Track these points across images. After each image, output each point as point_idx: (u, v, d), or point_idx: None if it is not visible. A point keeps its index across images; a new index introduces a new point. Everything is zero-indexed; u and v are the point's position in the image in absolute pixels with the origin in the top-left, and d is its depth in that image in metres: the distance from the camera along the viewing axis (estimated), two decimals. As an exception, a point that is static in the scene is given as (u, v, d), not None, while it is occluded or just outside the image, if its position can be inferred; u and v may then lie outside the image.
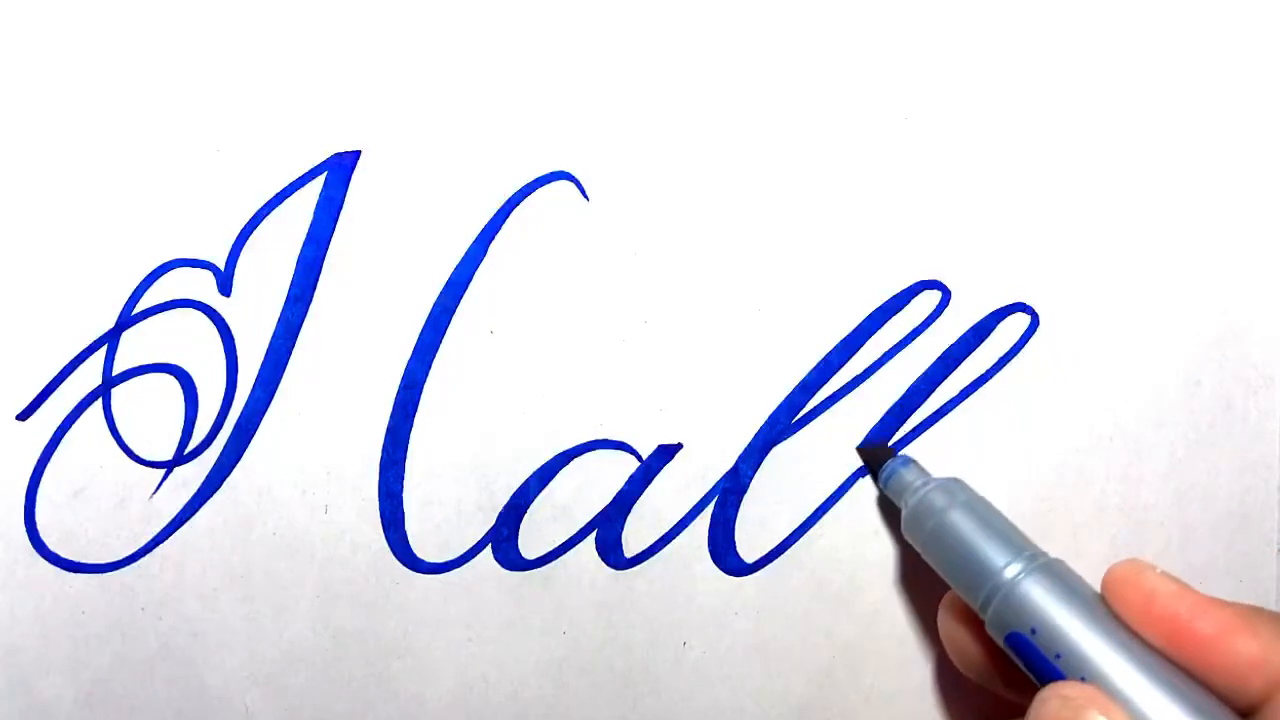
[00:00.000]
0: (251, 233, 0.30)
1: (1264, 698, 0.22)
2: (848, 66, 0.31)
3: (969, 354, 0.32)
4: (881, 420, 0.32)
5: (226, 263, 0.30)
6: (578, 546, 0.31)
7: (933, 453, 0.32)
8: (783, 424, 0.32)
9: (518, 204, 0.31)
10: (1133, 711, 0.22)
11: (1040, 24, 0.31)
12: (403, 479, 0.31)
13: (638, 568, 0.32)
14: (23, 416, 0.30)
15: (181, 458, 0.31)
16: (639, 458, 0.31)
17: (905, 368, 0.32)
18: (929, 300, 0.32)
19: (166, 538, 0.31)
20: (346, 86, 0.30)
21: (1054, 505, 0.32)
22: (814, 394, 0.32)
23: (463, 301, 0.31)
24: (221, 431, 0.31)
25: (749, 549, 0.32)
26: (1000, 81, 0.31)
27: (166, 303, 0.30)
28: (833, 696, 0.32)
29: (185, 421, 0.31)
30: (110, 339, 0.30)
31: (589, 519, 0.31)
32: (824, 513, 0.32)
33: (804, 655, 0.32)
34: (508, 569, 0.31)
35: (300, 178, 0.30)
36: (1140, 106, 0.32)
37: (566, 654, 0.32)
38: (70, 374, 0.30)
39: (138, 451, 0.31)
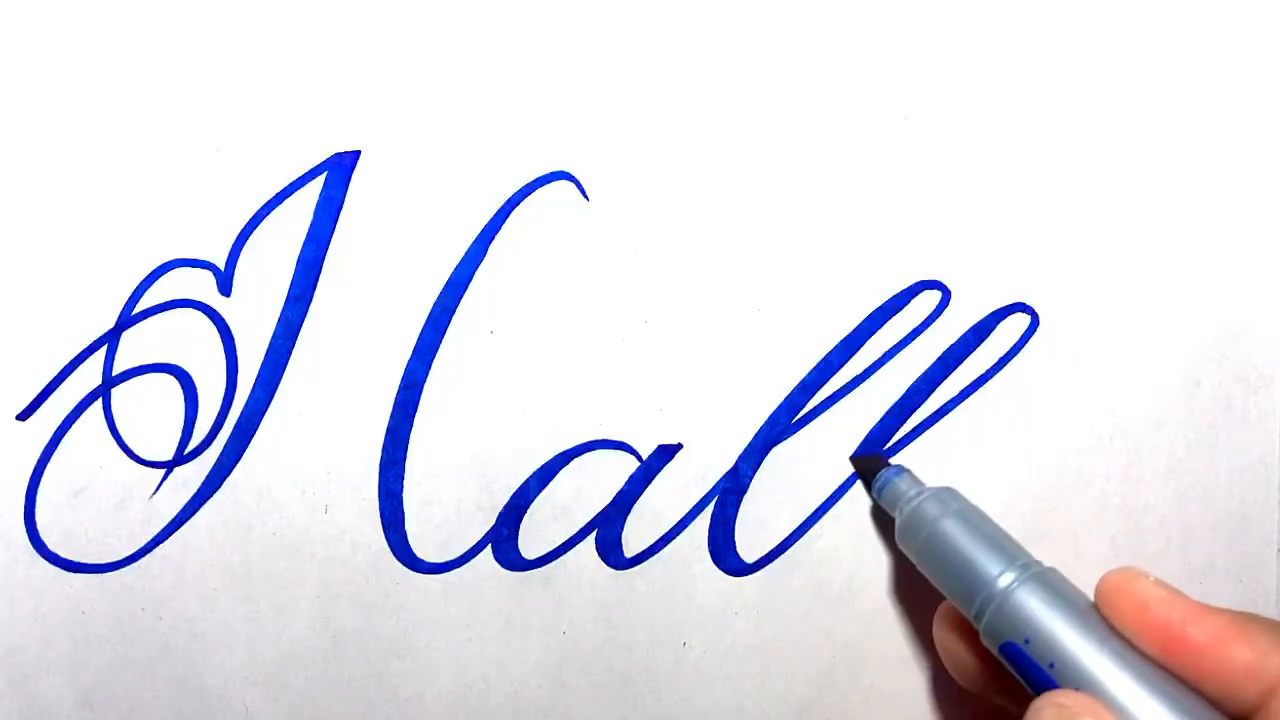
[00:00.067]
0: (251, 233, 0.30)
1: (1258, 704, 0.22)
2: (848, 66, 0.31)
3: (969, 354, 0.32)
4: (882, 420, 0.32)
5: (226, 263, 0.30)
6: (578, 546, 0.31)
7: (933, 453, 0.32)
8: (783, 424, 0.32)
9: (518, 204, 0.31)
10: None
11: (1040, 24, 0.31)
12: (403, 479, 0.31)
13: (638, 568, 0.32)
14: (23, 416, 0.30)
15: (181, 458, 0.31)
16: (639, 458, 0.31)
17: (905, 368, 0.32)
18: (929, 300, 0.32)
19: (166, 538, 0.31)
20: (346, 86, 0.30)
21: (1054, 505, 0.32)
22: (814, 394, 0.32)
23: (463, 301, 0.31)
24: (221, 431, 0.31)
25: (749, 549, 0.32)
26: (1000, 81, 0.31)
27: (166, 303, 0.30)
28: (833, 696, 0.32)
29: (185, 421, 0.31)
30: (110, 339, 0.30)
31: (589, 519, 0.31)
32: (824, 513, 0.32)
33: (804, 655, 0.32)
34: (508, 569, 0.31)
35: (300, 178, 0.30)
36: (1140, 106, 0.32)
37: (566, 654, 0.32)
38: (70, 374, 0.30)
39: (138, 451, 0.31)
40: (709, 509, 0.32)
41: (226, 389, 0.31)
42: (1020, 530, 0.32)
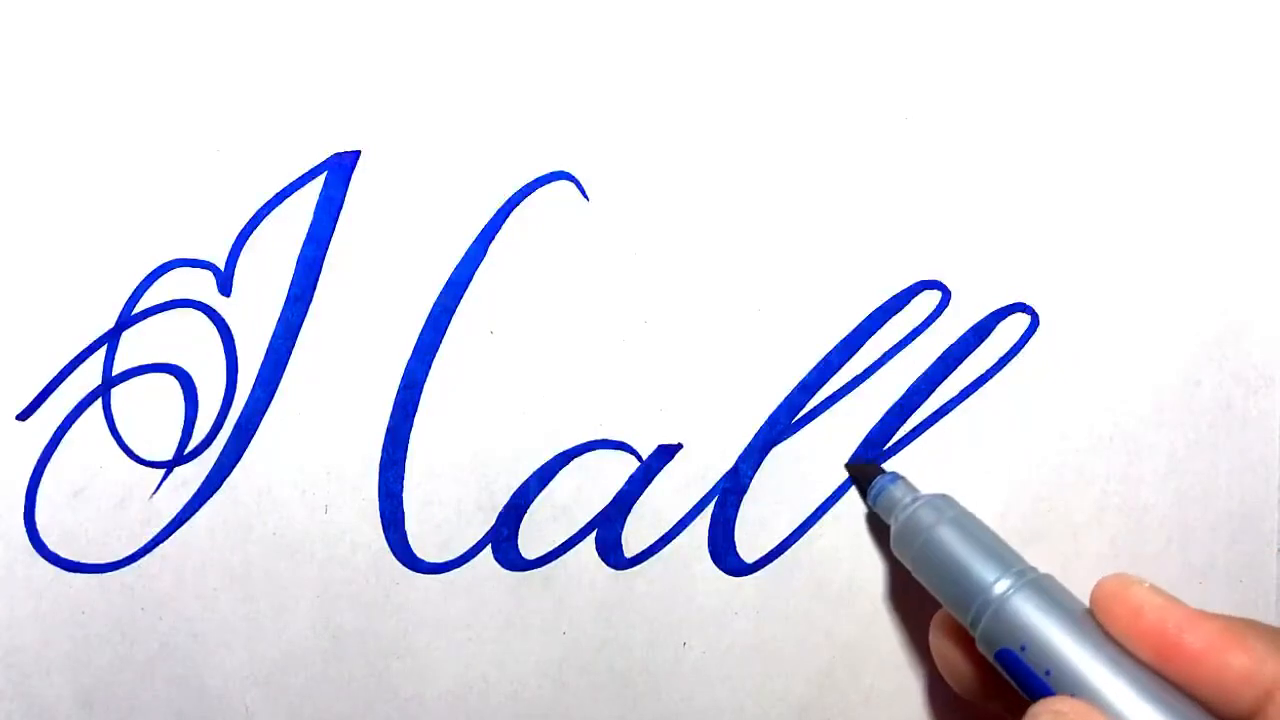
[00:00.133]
0: (251, 233, 0.30)
1: (1254, 710, 0.22)
2: (848, 67, 0.31)
3: (969, 354, 0.32)
4: (882, 420, 0.32)
5: (226, 263, 0.30)
6: (578, 546, 0.31)
7: (933, 453, 0.32)
8: (783, 424, 0.32)
9: (518, 204, 0.31)
10: None
11: (1040, 24, 0.31)
12: (403, 479, 0.31)
13: (638, 568, 0.32)
14: (23, 416, 0.30)
15: (181, 458, 0.31)
16: (639, 458, 0.31)
17: (905, 368, 0.32)
18: (929, 300, 0.32)
19: (166, 538, 0.31)
20: (346, 86, 0.30)
21: (1054, 505, 0.32)
22: (814, 394, 0.32)
23: (463, 301, 0.31)
24: (221, 431, 0.31)
25: (749, 549, 0.32)
26: (1000, 81, 0.31)
27: (166, 303, 0.30)
28: (833, 696, 0.32)
29: (185, 421, 0.31)
30: (110, 339, 0.30)
31: (589, 519, 0.31)
32: (824, 513, 0.32)
33: (804, 655, 0.32)
34: (508, 569, 0.31)
35: (300, 178, 0.30)
36: (1140, 106, 0.32)
37: (566, 654, 0.32)
38: (70, 374, 0.30)
39: (138, 451, 0.31)
40: (709, 509, 0.32)
41: (226, 389, 0.31)
42: (1020, 530, 0.32)
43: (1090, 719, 0.22)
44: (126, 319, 0.30)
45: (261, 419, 0.31)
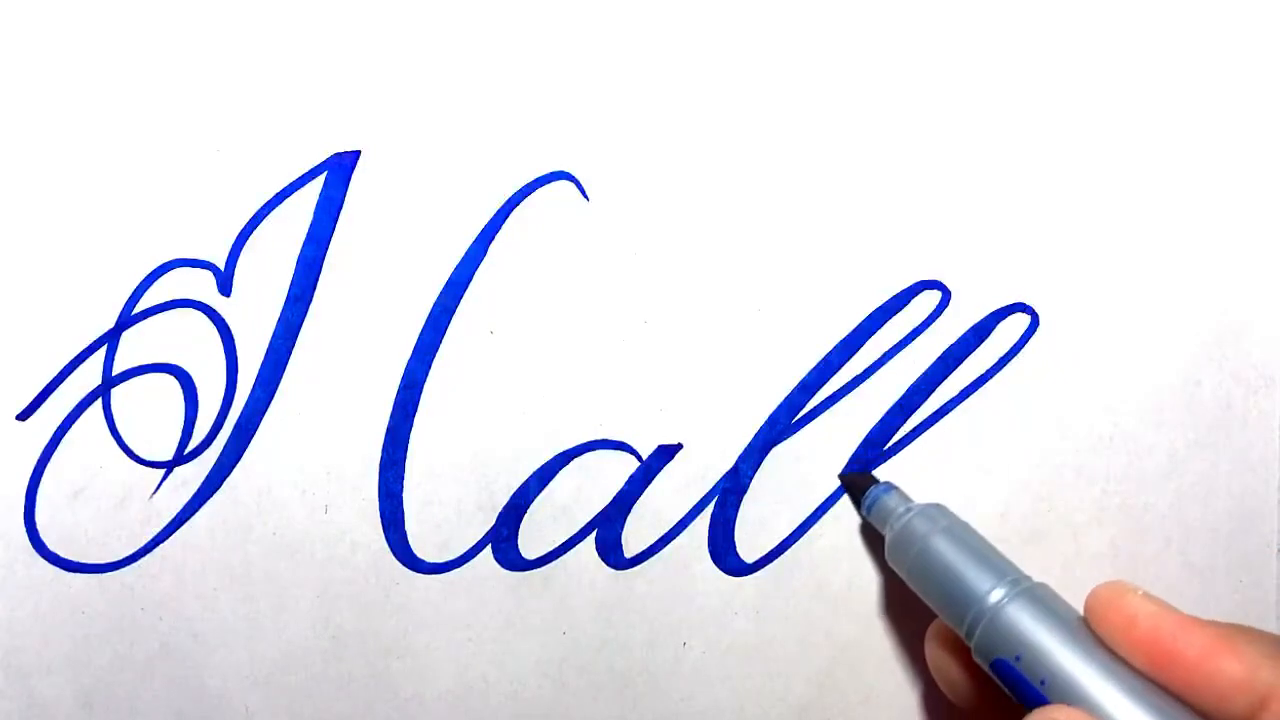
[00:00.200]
0: (251, 233, 0.30)
1: (1248, 717, 0.22)
2: (848, 66, 0.31)
3: (969, 354, 0.32)
4: (882, 420, 0.32)
5: (226, 263, 0.30)
6: (578, 546, 0.31)
7: (933, 453, 0.32)
8: (783, 424, 0.32)
9: (518, 204, 0.31)
10: None
11: (1040, 24, 0.31)
12: (403, 479, 0.31)
13: (638, 568, 0.32)
14: (23, 416, 0.30)
15: (181, 458, 0.31)
16: (639, 458, 0.31)
17: (905, 368, 0.32)
18: (929, 300, 0.32)
19: (166, 538, 0.31)
20: (346, 86, 0.30)
21: (1054, 505, 0.32)
22: (814, 394, 0.32)
23: (463, 301, 0.31)
24: (221, 431, 0.31)
25: (749, 549, 0.32)
26: (1000, 81, 0.31)
27: (166, 303, 0.30)
28: (833, 696, 0.32)
29: (185, 421, 0.31)
30: (110, 339, 0.30)
31: (589, 519, 0.31)
32: (824, 513, 0.32)
33: (804, 655, 0.32)
34: (508, 569, 0.31)
35: (300, 178, 0.30)
36: (1140, 106, 0.32)
37: (566, 654, 0.32)
38: (70, 374, 0.30)
39: (138, 451, 0.31)
40: (709, 509, 0.32)
41: (226, 389, 0.31)
42: (1020, 530, 0.32)
43: None
44: (126, 319, 0.30)
45: (261, 419, 0.31)
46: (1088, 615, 0.24)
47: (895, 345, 0.32)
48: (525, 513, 0.31)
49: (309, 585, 0.31)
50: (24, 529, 0.30)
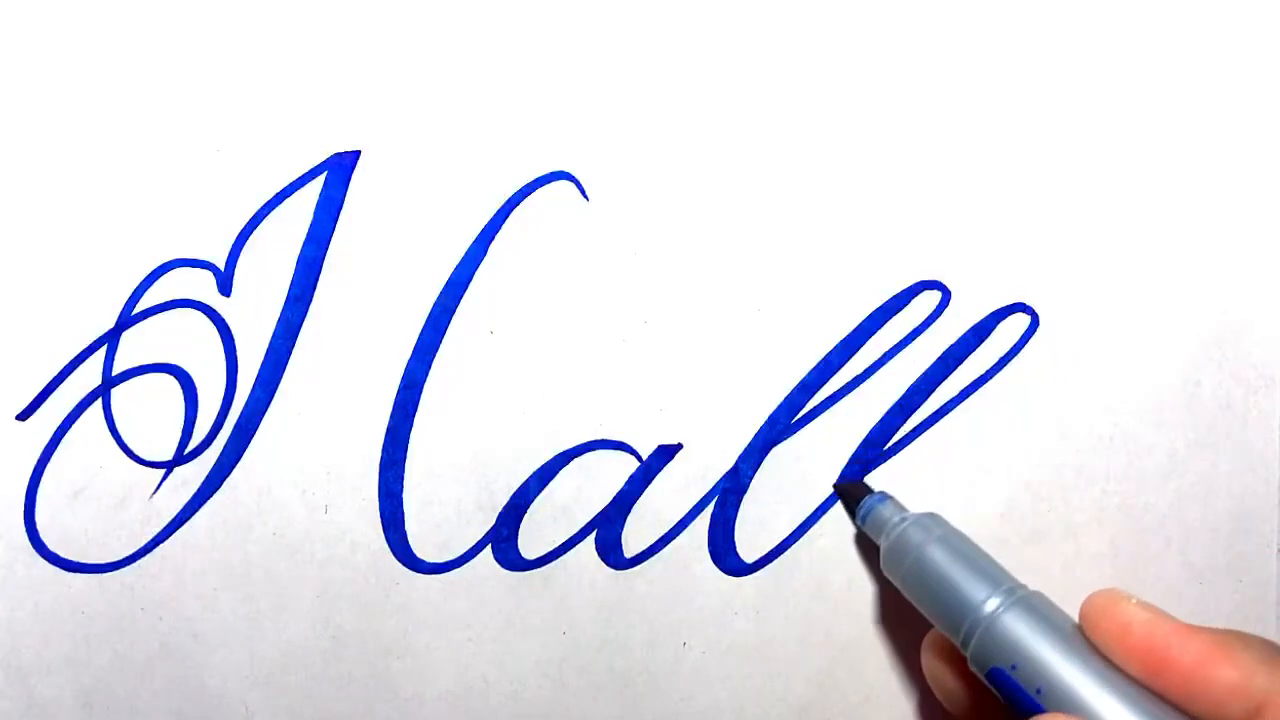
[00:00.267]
0: (251, 233, 0.30)
1: None
2: (848, 66, 0.31)
3: (969, 354, 0.32)
4: (882, 420, 0.32)
5: (226, 263, 0.30)
6: (578, 546, 0.31)
7: (932, 453, 0.32)
8: (783, 424, 0.32)
9: (518, 204, 0.31)
10: None
11: (1040, 24, 0.31)
12: (403, 479, 0.31)
13: (638, 568, 0.32)
14: (23, 416, 0.30)
15: (181, 458, 0.31)
16: (639, 458, 0.31)
17: (905, 368, 0.32)
18: (929, 300, 0.32)
19: (166, 538, 0.31)
20: (346, 86, 0.30)
21: (1054, 505, 0.32)
22: (814, 394, 0.32)
23: (463, 301, 0.31)
24: (221, 431, 0.31)
25: (749, 549, 0.32)
26: (1000, 81, 0.31)
27: (166, 303, 0.30)
28: (833, 696, 0.32)
29: (185, 421, 0.31)
30: (110, 339, 0.30)
31: (589, 519, 0.31)
32: (824, 513, 0.32)
33: (804, 655, 0.32)
34: (508, 569, 0.31)
35: (300, 178, 0.30)
36: (1140, 106, 0.32)
37: (566, 654, 0.32)
38: (70, 374, 0.30)
39: (138, 451, 0.31)
40: (709, 509, 0.32)
41: (226, 389, 0.31)
42: (1020, 530, 0.32)
43: None
44: (126, 319, 0.30)
45: (261, 419, 0.31)
46: (1083, 623, 0.24)
47: (895, 345, 0.32)
48: (525, 513, 0.31)
49: (309, 585, 0.31)
50: (24, 529, 0.31)
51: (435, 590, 0.31)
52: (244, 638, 0.31)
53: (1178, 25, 0.32)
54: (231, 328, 0.31)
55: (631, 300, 0.31)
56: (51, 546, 0.31)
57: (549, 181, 0.31)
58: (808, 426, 0.32)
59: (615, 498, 0.31)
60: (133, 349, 0.30)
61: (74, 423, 0.30)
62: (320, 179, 0.30)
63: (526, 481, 0.31)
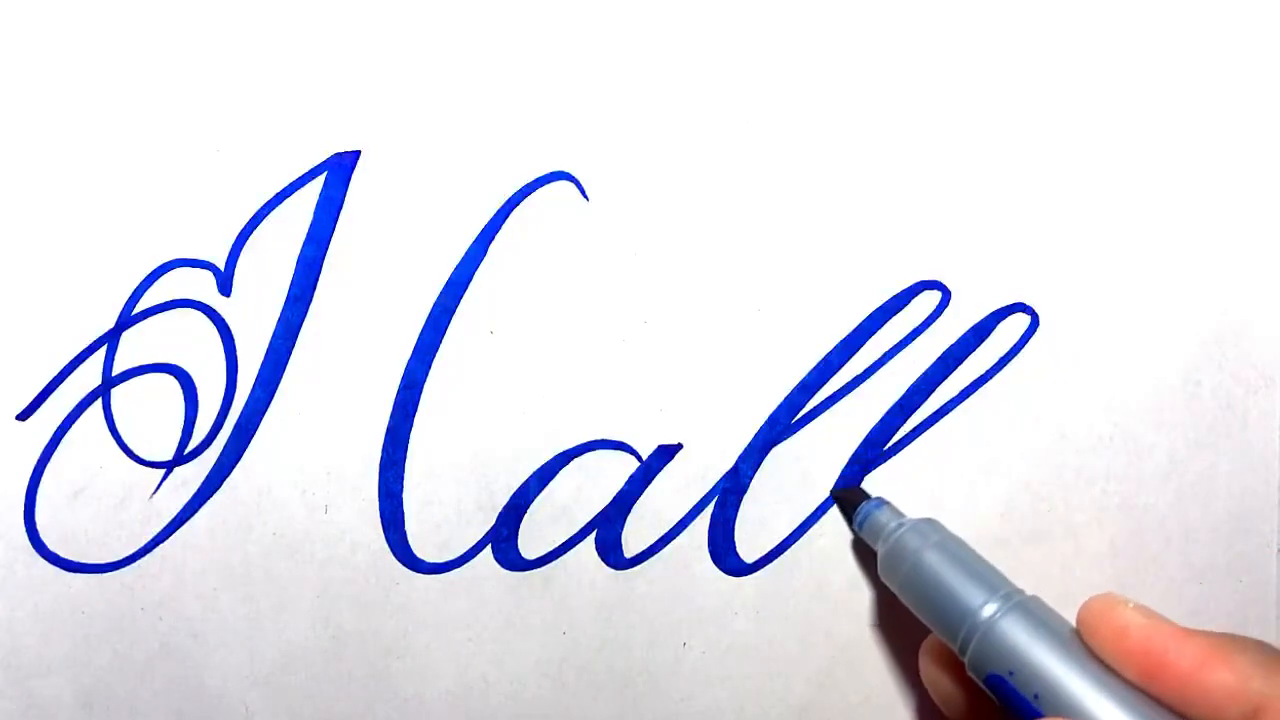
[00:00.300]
0: (251, 233, 0.30)
1: None
2: (848, 66, 0.31)
3: (969, 354, 0.32)
4: (882, 420, 0.32)
5: (226, 263, 0.30)
6: (578, 546, 0.31)
7: (932, 453, 0.32)
8: (783, 424, 0.32)
9: (518, 204, 0.31)
10: None
11: (1040, 24, 0.31)
12: (403, 479, 0.31)
13: (638, 568, 0.32)
14: (23, 416, 0.30)
15: (181, 458, 0.31)
16: (639, 458, 0.31)
17: (905, 368, 0.32)
18: (929, 300, 0.32)
19: (166, 538, 0.31)
20: (346, 86, 0.30)
21: (1054, 505, 0.32)
22: (814, 394, 0.32)
23: (463, 301, 0.31)
24: (221, 431, 0.31)
25: (749, 549, 0.32)
26: (1000, 81, 0.31)
27: (166, 303, 0.30)
28: (833, 696, 0.32)
29: (185, 421, 0.31)
30: (110, 339, 0.30)
31: (589, 519, 0.31)
32: (824, 513, 0.32)
33: (804, 655, 0.32)
34: (508, 569, 0.31)
35: (300, 178, 0.30)
36: (1140, 106, 0.32)
37: (566, 654, 0.32)
38: (70, 374, 0.30)
39: (138, 451, 0.31)
40: (709, 509, 0.32)
41: (226, 389, 0.31)
42: (1020, 530, 0.32)
43: None
44: (126, 319, 0.30)
45: (261, 419, 0.31)
46: (1080, 628, 0.24)
47: (895, 345, 0.32)
48: (525, 513, 0.31)
49: (309, 585, 0.31)
50: (24, 529, 0.30)
51: (435, 590, 0.31)
52: (244, 638, 0.31)
53: (1178, 25, 0.32)
54: (231, 328, 0.31)
55: (631, 300, 0.31)
56: (51, 546, 0.31)
57: (549, 181, 0.31)
58: (808, 426, 0.32)
59: (615, 498, 0.31)
60: (133, 349, 0.30)
61: (74, 423, 0.30)
62: (320, 179, 0.30)
63: (526, 481, 0.31)
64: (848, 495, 0.31)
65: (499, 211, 0.31)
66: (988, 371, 0.32)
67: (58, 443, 0.30)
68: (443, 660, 0.31)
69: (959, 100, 0.31)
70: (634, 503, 0.31)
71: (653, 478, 0.31)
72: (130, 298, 0.30)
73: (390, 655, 0.31)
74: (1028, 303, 0.32)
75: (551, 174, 0.31)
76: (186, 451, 0.31)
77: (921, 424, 0.32)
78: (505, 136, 0.31)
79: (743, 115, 0.31)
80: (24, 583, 0.31)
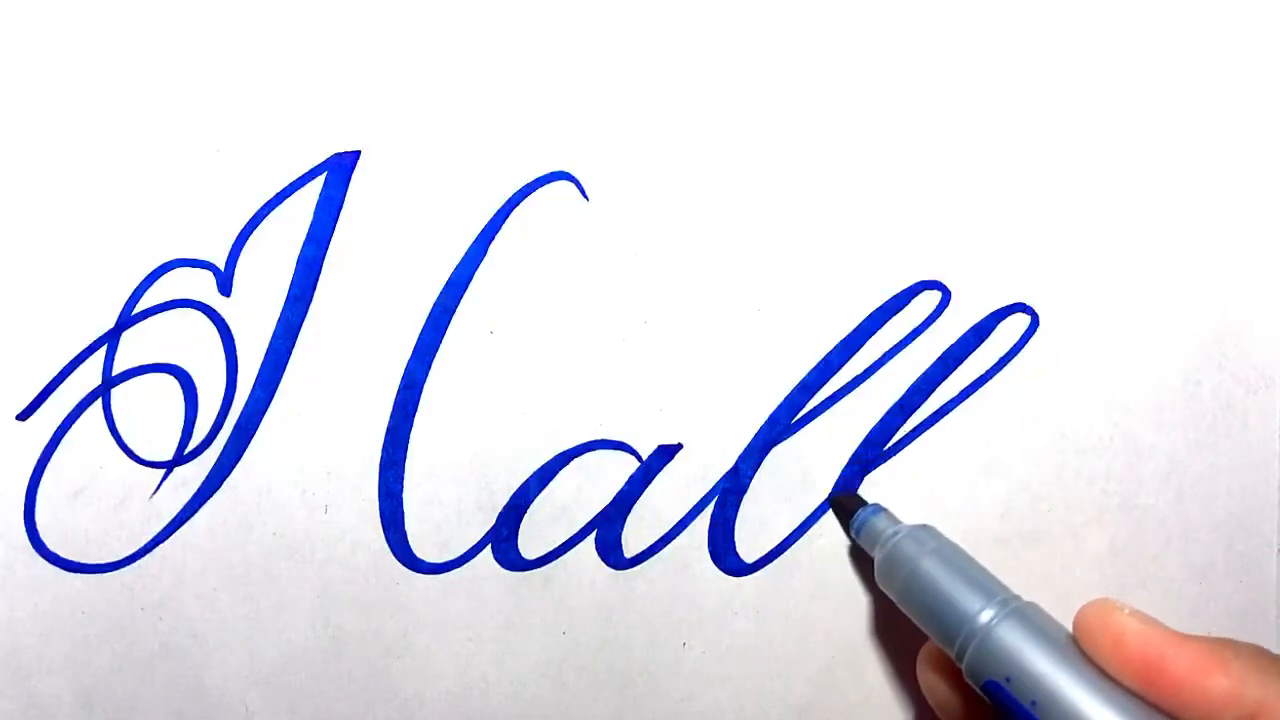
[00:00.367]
0: (251, 233, 0.30)
1: None
2: (848, 67, 0.31)
3: (969, 354, 0.32)
4: (882, 420, 0.32)
5: (226, 263, 0.30)
6: (578, 546, 0.31)
7: (932, 453, 0.32)
8: (783, 424, 0.32)
9: (518, 204, 0.31)
10: None
11: (1040, 24, 0.31)
12: (403, 479, 0.31)
13: (638, 568, 0.32)
14: (23, 416, 0.30)
15: (181, 458, 0.31)
16: (639, 458, 0.31)
17: (905, 368, 0.32)
18: (929, 300, 0.32)
19: (166, 538, 0.31)
20: (346, 86, 0.30)
21: (1054, 505, 0.32)
22: (814, 394, 0.32)
23: (463, 301, 0.31)
24: (221, 431, 0.31)
25: (749, 549, 0.32)
26: (1000, 81, 0.31)
27: (166, 303, 0.30)
28: (833, 696, 0.32)
29: (185, 421, 0.31)
30: (110, 339, 0.30)
31: (589, 519, 0.31)
32: (824, 513, 0.32)
33: (804, 655, 0.32)
34: (508, 569, 0.31)
35: (300, 178, 0.30)
36: (1140, 106, 0.32)
37: (566, 654, 0.32)
38: (70, 374, 0.30)
39: (138, 451, 0.31)
40: (709, 509, 0.32)
41: (226, 389, 0.31)
42: (1020, 530, 0.32)
43: None
44: (126, 319, 0.30)
45: (261, 419, 0.31)
46: (1076, 634, 0.24)
47: (895, 345, 0.32)
48: (525, 513, 0.31)
49: (309, 585, 0.31)
50: (24, 529, 0.30)
51: (435, 590, 0.31)
52: (244, 638, 0.31)
53: (1178, 25, 0.32)
54: (231, 328, 0.31)
55: (631, 300, 0.31)
56: (51, 546, 0.31)
57: (549, 181, 0.31)
58: (808, 426, 0.32)
59: (615, 498, 0.31)
60: (133, 349, 0.30)
61: (74, 423, 0.30)
62: (320, 179, 0.30)
63: (526, 481, 0.31)
64: (844, 501, 0.31)
65: (499, 211, 0.31)
66: (988, 371, 0.32)
67: (58, 443, 0.30)
68: (443, 660, 0.31)
69: (959, 100, 0.31)
70: (634, 503, 0.31)
71: (653, 478, 0.31)
72: (130, 298, 0.30)
73: (390, 655, 0.31)
74: (1028, 303, 0.32)
75: (551, 174, 0.31)
76: (186, 451, 0.31)
77: (921, 424, 0.32)
78: (505, 136, 0.31)
79: (743, 115, 0.31)
80: (24, 583, 0.31)
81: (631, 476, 0.31)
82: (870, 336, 0.32)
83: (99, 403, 0.30)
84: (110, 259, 0.30)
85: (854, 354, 0.32)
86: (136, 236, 0.30)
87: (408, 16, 0.30)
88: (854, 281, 0.31)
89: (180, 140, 0.30)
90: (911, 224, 0.31)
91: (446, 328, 0.31)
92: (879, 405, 0.32)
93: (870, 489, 0.32)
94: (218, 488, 0.31)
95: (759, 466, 0.32)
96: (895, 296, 0.32)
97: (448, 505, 0.31)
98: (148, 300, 0.30)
